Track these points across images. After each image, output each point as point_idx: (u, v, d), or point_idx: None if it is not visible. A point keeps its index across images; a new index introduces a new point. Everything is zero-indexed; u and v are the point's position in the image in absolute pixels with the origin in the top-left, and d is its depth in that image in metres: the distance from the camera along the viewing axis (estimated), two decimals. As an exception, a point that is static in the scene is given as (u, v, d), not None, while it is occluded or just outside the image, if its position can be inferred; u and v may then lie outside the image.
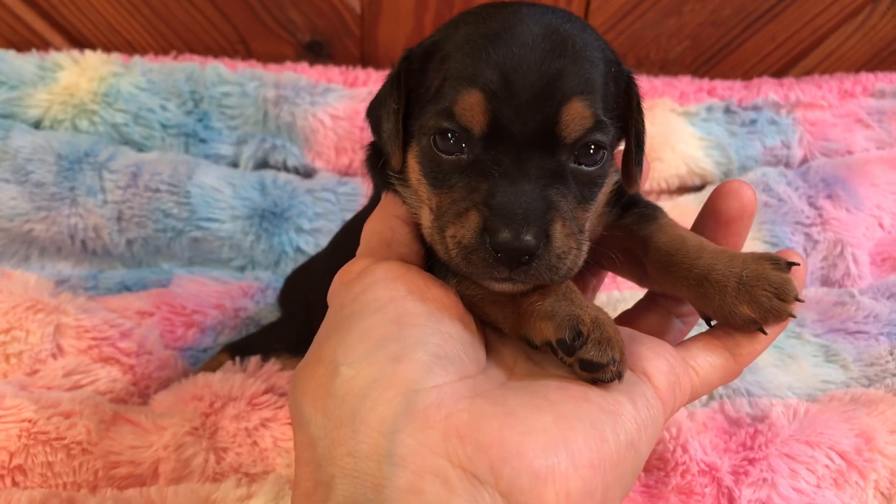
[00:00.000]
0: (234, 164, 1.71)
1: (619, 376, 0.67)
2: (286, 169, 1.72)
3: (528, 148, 0.71)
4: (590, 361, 0.66)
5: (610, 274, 0.95)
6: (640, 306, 0.88)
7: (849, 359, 1.28)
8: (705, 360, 0.76)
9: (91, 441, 1.04)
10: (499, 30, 0.73)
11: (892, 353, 1.28)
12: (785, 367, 1.27)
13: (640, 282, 0.86)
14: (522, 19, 0.74)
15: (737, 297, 0.73)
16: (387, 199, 0.82)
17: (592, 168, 0.75)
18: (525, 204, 0.68)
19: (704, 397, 1.22)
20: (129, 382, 1.26)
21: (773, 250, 1.55)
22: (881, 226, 1.67)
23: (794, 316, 0.73)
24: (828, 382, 1.26)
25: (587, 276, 0.91)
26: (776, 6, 1.91)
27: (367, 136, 0.89)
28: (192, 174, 1.58)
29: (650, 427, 0.67)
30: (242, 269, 1.60)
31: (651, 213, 0.84)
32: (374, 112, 0.82)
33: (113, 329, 1.29)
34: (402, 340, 0.65)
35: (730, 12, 1.91)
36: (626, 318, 0.87)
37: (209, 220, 1.56)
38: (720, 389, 1.22)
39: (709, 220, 0.83)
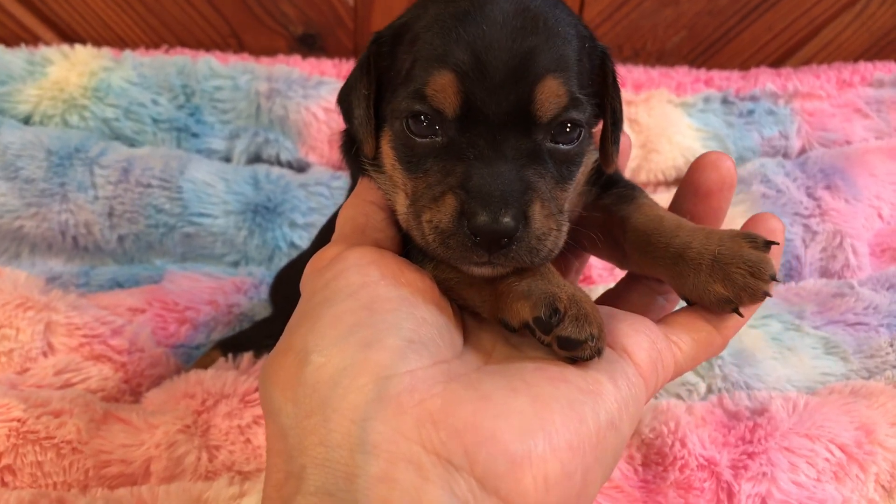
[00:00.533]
0: (227, 159, 1.70)
1: (599, 353, 0.65)
2: (279, 163, 1.70)
3: (503, 128, 0.69)
4: (567, 339, 0.64)
5: (609, 267, 0.94)
6: (623, 285, 0.87)
7: (849, 351, 1.27)
8: (688, 335, 0.74)
9: (81, 440, 1.03)
10: (468, 8, 0.71)
11: (891, 345, 1.27)
12: (784, 359, 1.26)
13: (620, 263, 0.84)
14: None
15: (711, 275, 0.71)
16: (362, 184, 0.81)
17: (569, 147, 0.73)
18: (502, 185, 0.67)
19: (703, 390, 1.21)
20: (120, 380, 1.24)
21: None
22: (880, 216, 1.66)
23: (769, 294, 0.71)
24: (827, 375, 1.25)
25: (569, 257, 0.90)
26: (773, -5, 1.89)
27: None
28: (184, 169, 1.57)
29: (631, 405, 0.65)
30: (236, 264, 1.58)
31: (630, 192, 0.83)
32: (345, 98, 0.81)
33: (104, 326, 1.28)
34: (374, 326, 0.63)
35: (727, 2, 1.89)
36: (609, 297, 0.85)
37: (201, 215, 1.55)
38: (719, 383, 1.21)
39: (688, 193, 0.81)
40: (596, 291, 1.40)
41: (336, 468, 0.57)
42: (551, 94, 0.70)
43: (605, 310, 0.74)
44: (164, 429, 1.05)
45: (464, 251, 0.67)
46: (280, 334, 0.69)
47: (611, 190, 0.83)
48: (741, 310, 0.72)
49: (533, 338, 0.66)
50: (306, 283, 0.71)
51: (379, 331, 0.63)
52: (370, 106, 0.77)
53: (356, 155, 0.82)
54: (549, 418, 0.59)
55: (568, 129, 0.72)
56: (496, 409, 0.59)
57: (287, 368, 0.62)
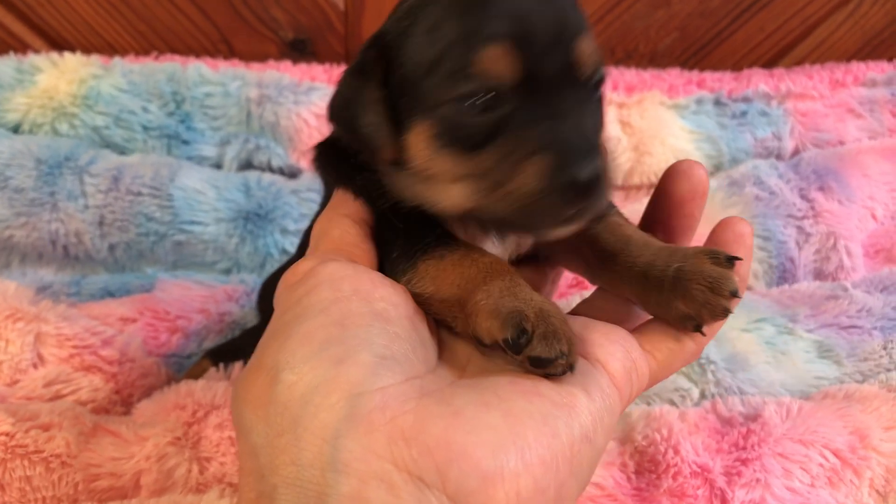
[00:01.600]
0: (218, 166, 1.69)
1: (571, 368, 0.65)
2: (271, 169, 1.69)
3: (557, 88, 0.71)
4: (538, 358, 0.63)
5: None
6: (599, 293, 0.86)
7: (842, 354, 1.26)
8: (663, 344, 0.74)
9: (70, 454, 1.02)
10: None
11: (885, 348, 1.26)
12: (777, 363, 1.25)
13: (591, 279, 0.84)
14: None
15: (672, 292, 0.71)
16: (337, 197, 0.80)
17: (599, 101, 0.77)
18: (582, 136, 0.69)
19: (696, 396, 1.20)
20: (111, 391, 1.23)
21: (765, 244, 1.54)
22: (874, 217, 1.66)
23: (730, 311, 0.70)
24: (821, 378, 1.24)
25: (545, 268, 0.90)
26: (765, -4, 1.89)
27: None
28: (175, 177, 1.56)
29: (606, 418, 0.65)
30: (227, 271, 1.57)
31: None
32: (343, 111, 0.79)
33: (94, 337, 1.27)
34: (345, 342, 0.62)
35: (719, 3, 1.89)
36: (585, 306, 0.84)
37: (192, 223, 1.54)
38: (712, 388, 1.20)
39: (660, 202, 0.81)
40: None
41: (307, 487, 0.56)
42: (590, 52, 0.72)
43: (579, 320, 0.74)
44: (155, 441, 1.04)
45: (558, 208, 0.68)
46: None
47: None
48: (704, 328, 0.72)
49: (504, 354, 0.66)
50: (279, 299, 0.71)
51: (351, 347, 0.62)
52: (385, 109, 0.75)
53: (336, 166, 0.82)
54: (522, 433, 0.58)
55: (597, 84, 0.75)
56: (468, 425, 0.58)
57: (258, 386, 0.62)
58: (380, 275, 0.72)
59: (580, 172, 0.66)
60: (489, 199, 0.71)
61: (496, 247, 0.83)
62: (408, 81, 0.74)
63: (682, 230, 0.81)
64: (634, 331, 0.76)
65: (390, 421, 0.57)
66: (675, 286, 0.71)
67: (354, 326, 0.64)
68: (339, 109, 0.79)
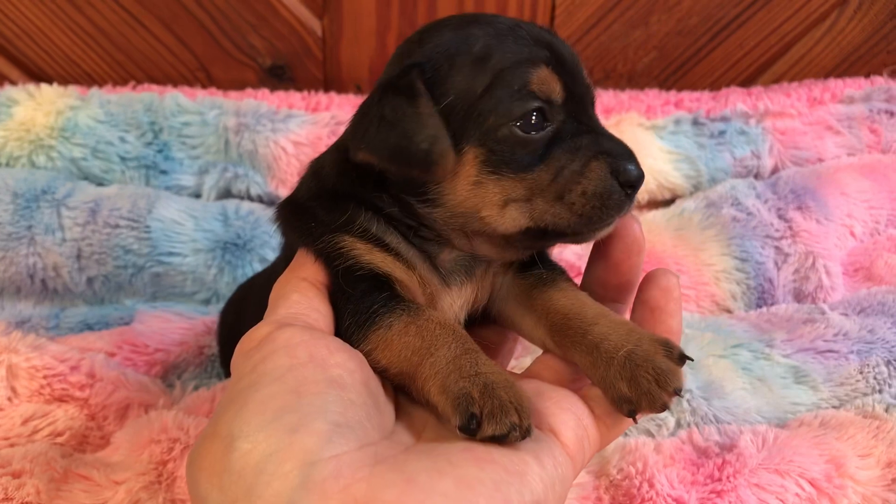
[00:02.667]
0: (197, 195, 1.69)
1: (527, 434, 0.66)
2: (249, 198, 1.69)
3: (585, 106, 0.81)
4: (492, 437, 0.65)
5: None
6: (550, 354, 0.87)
7: (818, 379, 1.26)
8: (612, 409, 0.75)
9: (41, 501, 1.01)
10: (509, 23, 0.80)
11: (861, 372, 1.26)
12: (754, 389, 1.25)
13: (542, 344, 0.84)
14: (508, 18, 0.82)
15: (620, 372, 0.72)
16: (297, 259, 0.81)
17: None
18: (622, 144, 0.78)
19: (672, 425, 1.20)
20: (86, 418, 1.23)
21: (743, 266, 1.55)
22: (853, 234, 1.66)
23: (667, 408, 0.71)
24: (797, 404, 1.24)
25: (507, 334, 0.90)
26: (743, 13, 1.89)
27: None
28: (153, 208, 1.56)
29: (558, 486, 0.66)
30: (207, 301, 1.57)
31: (551, 275, 0.84)
32: (386, 132, 0.76)
33: (62, 364, 1.25)
34: (300, 410, 0.62)
35: (697, 21, 1.90)
36: (538, 366, 0.84)
37: (170, 254, 1.54)
38: (688, 417, 1.20)
39: (597, 261, 0.84)
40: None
41: None
42: (590, 81, 0.83)
43: (532, 385, 0.75)
44: (127, 486, 1.03)
45: (619, 205, 0.76)
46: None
47: (531, 269, 0.85)
48: (638, 413, 0.72)
49: None
50: (235, 364, 0.71)
51: (305, 415, 0.62)
52: (439, 121, 0.76)
53: (298, 226, 0.83)
54: (474, 501, 0.59)
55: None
56: (421, 493, 0.58)
57: (213, 454, 0.62)
58: (336, 340, 0.73)
59: (634, 170, 0.76)
60: (553, 210, 0.76)
61: (453, 298, 0.83)
62: (456, 108, 0.76)
63: (622, 288, 0.83)
64: (583, 393, 0.76)
65: (344, 489, 0.57)
66: (623, 367, 0.72)
67: (309, 394, 0.64)
68: (380, 132, 0.76)
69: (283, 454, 0.59)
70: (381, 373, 0.74)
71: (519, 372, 0.86)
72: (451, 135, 0.76)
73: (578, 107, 0.79)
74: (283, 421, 0.61)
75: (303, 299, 0.76)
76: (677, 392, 0.71)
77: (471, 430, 0.65)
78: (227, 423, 0.63)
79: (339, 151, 0.85)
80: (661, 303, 0.78)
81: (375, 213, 0.81)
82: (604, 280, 0.83)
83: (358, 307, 0.76)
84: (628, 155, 0.77)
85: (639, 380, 0.71)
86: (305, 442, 0.60)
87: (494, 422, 0.64)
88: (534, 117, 0.76)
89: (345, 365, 0.69)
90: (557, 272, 0.85)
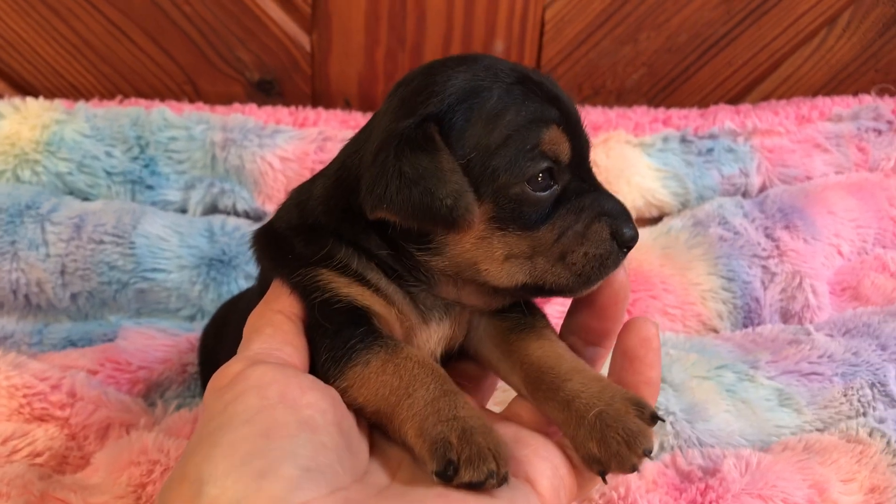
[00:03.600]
0: (183, 210, 1.68)
1: (504, 481, 0.65)
2: (236, 213, 1.69)
3: (588, 164, 0.83)
4: (469, 484, 0.64)
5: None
6: None
7: (802, 402, 1.26)
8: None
9: (17, 525, 1.00)
10: (517, 74, 0.80)
11: (845, 395, 1.26)
12: (738, 412, 1.25)
13: (518, 390, 0.84)
14: (515, 65, 0.82)
15: (590, 432, 0.72)
16: (272, 292, 0.80)
17: None
18: (620, 203, 0.81)
19: (656, 449, 1.19)
20: (66, 438, 1.22)
21: (730, 285, 1.54)
22: (840, 253, 1.66)
23: (636, 469, 0.71)
24: (781, 427, 1.24)
25: (488, 373, 0.90)
26: (732, 31, 1.90)
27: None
28: (138, 223, 1.55)
29: None
30: (192, 318, 1.56)
31: (530, 321, 0.84)
32: (407, 190, 0.74)
33: (43, 383, 1.24)
34: (269, 454, 0.62)
35: (685, 39, 1.90)
36: (517, 406, 0.84)
37: (155, 270, 1.53)
38: (671, 440, 1.20)
39: (581, 307, 0.84)
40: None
41: None
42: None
43: (510, 430, 0.75)
44: (104, 510, 1.03)
45: (615, 264, 0.78)
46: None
47: (510, 311, 0.85)
48: (607, 473, 0.72)
49: None
50: (207, 402, 0.70)
51: (274, 459, 0.61)
52: (461, 175, 0.75)
53: (274, 255, 0.83)
54: None
55: None
56: None
57: (181, 498, 0.61)
58: (309, 378, 0.72)
59: (631, 232, 0.79)
60: (552, 270, 0.77)
61: (430, 333, 0.83)
62: (472, 164, 0.76)
63: (604, 334, 0.83)
64: (560, 439, 0.76)
65: None
66: (593, 427, 0.72)
67: (279, 437, 0.63)
68: (401, 190, 0.74)
69: (250, 500, 0.59)
70: (358, 411, 0.74)
71: (500, 408, 0.86)
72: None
73: (581, 164, 0.81)
74: (252, 466, 0.61)
75: (277, 333, 0.76)
76: (647, 454, 0.70)
77: (447, 476, 0.64)
78: (196, 465, 0.62)
79: (332, 186, 0.84)
80: (639, 353, 0.78)
81: (357, 251, 0.81)
82: (587, 325, 0.83)
83: (335, 342, 0.76)
84: (626, 216, 0.80)
85: (608, 441, 0.70)
86: (273, 488, 0.59)
87: (472, 468, 0.64)
88: (542, 177, 0.77)
89: (317, 405, 0.68)
90: (537, 317, 0.85)
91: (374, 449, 0.74)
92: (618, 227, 0.77)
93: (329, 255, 0.80)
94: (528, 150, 0.75)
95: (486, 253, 0.77)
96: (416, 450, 0.68)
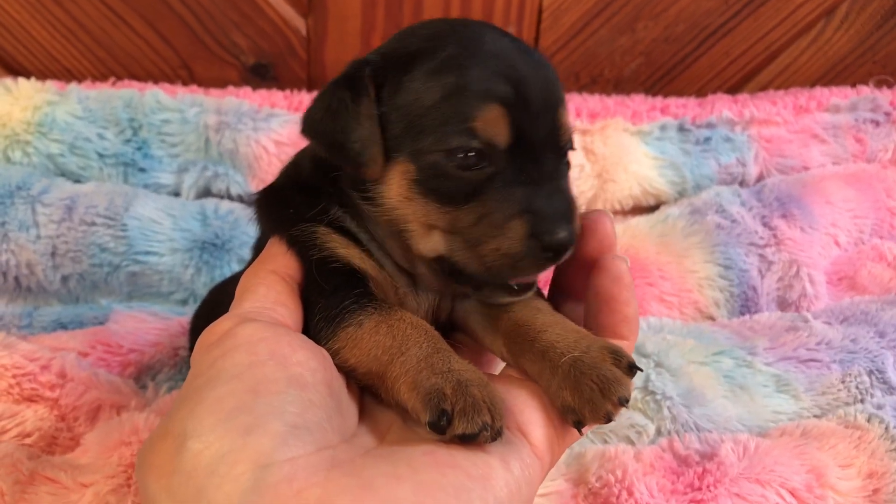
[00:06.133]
0: (176, 193, 1.66)
1: (497, 435, 0.64)
2: (230, 197, 1.67)
3: (542, 153, 0.74)
4: (462, 436, 0.63)
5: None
6: None
7: (800, 388, 1.25)
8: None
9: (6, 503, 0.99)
10: (492, 44, 0.75)
11: (843, 382, 1.25)
12: (735, 398, 1.24)
13: (501, 356, 0.82)
14: (496, 34, 0.77)
15: (564, 380, 0.70)
16: (268, 251, 0.79)
17: (568, 164, 0.79)
18: (562, 203, 0.73)
19: (652, 432, 1.19)
20: (56, 419, 1.20)
21: (727, 273, 1.54)
22: (837, 243, 1.66)
23: (612, 418, 0.68)
24: (779, 413, 1.23)
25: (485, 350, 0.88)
26: (730, 21, 1.89)
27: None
28: (130, 206, 1.53)
29: (524, 489, 0.64)
30: (184, 302, 1.54)
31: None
32: (328, 122, 0.76)
33: (33, 363, 1.22)
34: (256, 410, 0.60)
35: (683, 28, 1.89)
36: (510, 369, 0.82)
37: (147, 253, 1.51)
38: (668, 424, 1.19)
39: (591, 299, 0.79)
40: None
41: None
42: (567, 120, 0.77)
43: (502, 382, 0.73)
44: (95, 489, 1.01)
45: (533, 267, 0.72)
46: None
47: None
48: (582, 423, 0.70)
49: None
50: (195, 360, 0.69)
51: (261, 415, 0.60)
52: (377, 125, 0.74)
53: (274, 213, 0.82)
54: None
55: (569, 148, 0.79)
56: (377, 500, 0.56)
57: (163, 454, 0.60)
58: (300, 337, 0.71)
59: (561, 236, 0.71)
60: (463, 253, 0.73)
61: (419, 302, 0.82)
62: (399, 115, 0.74)
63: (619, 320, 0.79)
64: None
65: (297, 494, 0.55)
66: (567, 374, 0.70)
67: (268, 393, 0.62)
68: (323, 120, 0.77)
69: (235, 455, 0.57)
70: (349, 372, 0.72)
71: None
72: (389, 139, 0.74)
73: (529, 154, 0.74)
74: (238, 421, 0.59)
75: (270, 293, 0.74)
76: (622, 402, 0.68)
77: (440, 427, 0.63)
78: (180, 421, 0.60)
79: None
80: (613, 292, 0.75)
81: (348, 212, 0.80)
82: (599, 315, 0.79)
83: (329, 303, 0.74)
84: (561, 217, 0.72)
85: (582, 388, 0.68)
86: (260, 443, 0.58)
87: (466, 420, 0.63)
88: (468, 156, 0.72)
89: (307, 363, 0.67)
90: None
91: (363, 414, 0.72)
92: (542, 228, 0.70)
93: (324, 212, 0.79)
94: (457, 122, 0.71)
95: (412, 214, 0.75)
96: (409, 404, 0.66)
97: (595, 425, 0.71)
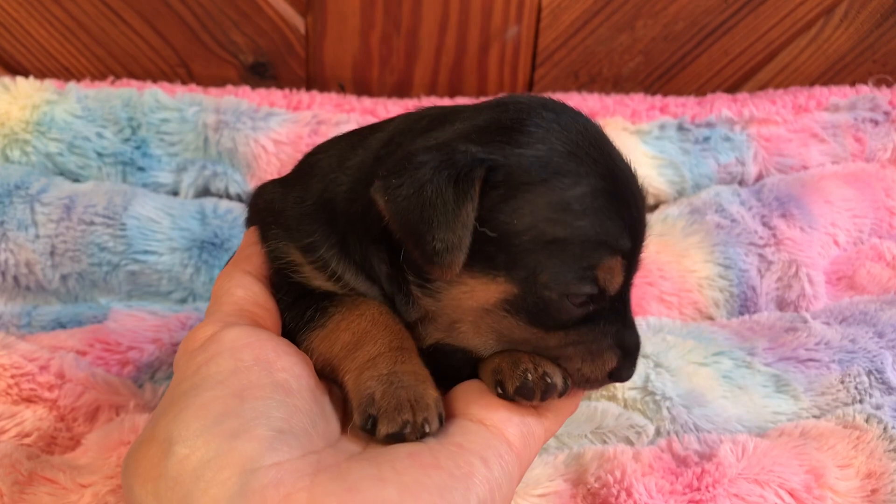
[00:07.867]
0: (175, 192, 1.66)
1: (422, 430, 0.65)
2: (228, 196, 1.67)
3: (628, 295, 0.79)
4: (389, 436, 0.64)
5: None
6: None
7: (799, 388, 1.25)
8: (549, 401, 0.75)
9: (4, 504, 0.99)
10: (616, 182, 0.74)
11: (842, 382, 1.26)
12: (735, 398, 1.24)
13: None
14: (617, 159, 0.78)
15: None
16: (245, 250, 0.79)
17: None
18: (637, 341, 0.79)
19: (651, 432, 1.19)
20: (55, 419, 1.20)
21: (726, 273, 1.54)
22: (836, 243, 1.66)
23: (528, 379, 0.72)
24: (778, 414, 1.23)
25: None
26: (729, 20, 1.88)
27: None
28: (129, 205, 1.53)
29: (504, 485, 0.66)
30: (183, 301, 1.54)
31: None
32: (414, 207, 0.67)
33: (32, 363, 1.22)
34: (242, 415, 0.61)
35: (682, 27, 1.89)
36: None
37: (146, 252, 1.51)
38: (667, 425, 1.19)
39: None
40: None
41: None
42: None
43: (474, 385, 0.75)
44: (94, 490, 1.01)
45: (591, 389, 0.81)
46: None
47: None
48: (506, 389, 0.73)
49: None
50: (178, 365, 0.69)
51: (247, 420, 0.60)
52: (470, 235, 0.69)
53: (275, 218, 0.82)
54: None
55: None
56: (363, 502, 0.57)
57: (149, 459, 0.60)
58: (283, 342, 0.72)
59: (628, 374, 0.78)
60: (543, 364, 0.74)
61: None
62: (505, 235, 0.70)
63: None
64: None
65: (283, 498, 0.56)
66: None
67: (253, 399, 0.62)
68: (410, 201, 0.68)
69: (222, 460, 0.58)
70: (329, 374, 0.73)
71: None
72: (480, 249, 0.69)
73: (623, 294, 0.78)
74: (224, 426, 0.60)
75: (248, 295, 0.75)
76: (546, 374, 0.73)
77: (371, 432, 0.65)
78: (166, 426, 0.61)
79: (370, 163, 0.78)
80: None
81: (341, 251, 0.77)
82: None
83: (297, 304, 0.76)
84: (635, 356, 0.79)
85: (515, 356, 0.74)
86: (246, 448, 0.58)
87: (388, 420, 0.64)
88: (584, 298, 0.73)
89: (291, 369, 0.68)
90: None
91: (348, 420, 0.72)
92: (621, 366, 0.77)
93: (312, 248, 0.77)
94: (582, 268, 0.71)
95: (482, 322, 0.74)
96: (353, 405, 0.68)
97: (515, 386, 0.72)
